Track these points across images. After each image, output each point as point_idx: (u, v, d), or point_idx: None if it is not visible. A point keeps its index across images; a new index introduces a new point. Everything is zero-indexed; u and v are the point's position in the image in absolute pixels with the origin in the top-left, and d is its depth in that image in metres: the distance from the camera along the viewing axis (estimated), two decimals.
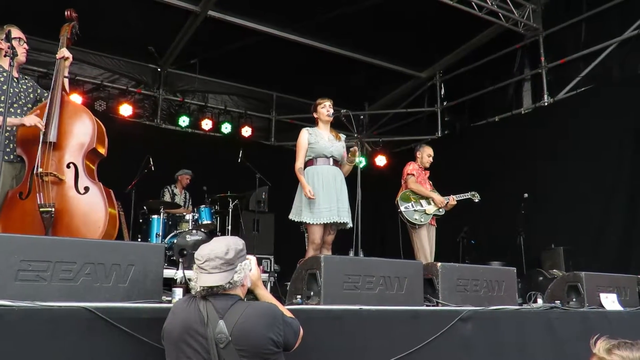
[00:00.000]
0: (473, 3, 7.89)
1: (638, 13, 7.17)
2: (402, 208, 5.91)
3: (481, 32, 9.07)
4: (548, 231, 7.52)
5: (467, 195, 6.13)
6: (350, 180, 5.02)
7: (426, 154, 6.16)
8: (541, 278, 6.49)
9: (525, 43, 8.83)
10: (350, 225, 4.88)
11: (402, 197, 5.98)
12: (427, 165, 6.21)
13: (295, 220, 4.85)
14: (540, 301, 4.48)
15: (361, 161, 5.11)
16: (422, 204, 5.94)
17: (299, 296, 3.21)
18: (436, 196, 5.97)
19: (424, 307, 3.45)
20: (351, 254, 4.98)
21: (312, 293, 3.16)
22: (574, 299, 4.49)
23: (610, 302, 4.58)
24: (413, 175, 6.02)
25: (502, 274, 4.08)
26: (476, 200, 6.16)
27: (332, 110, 4.96)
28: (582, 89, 7.91)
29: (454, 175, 6.31)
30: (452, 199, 6.03)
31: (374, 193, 8.65)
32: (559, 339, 3.88)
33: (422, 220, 5.89)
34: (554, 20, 8.43)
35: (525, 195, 7.43)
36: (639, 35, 7.23)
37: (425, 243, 5.89)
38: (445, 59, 10.01)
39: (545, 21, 8.53)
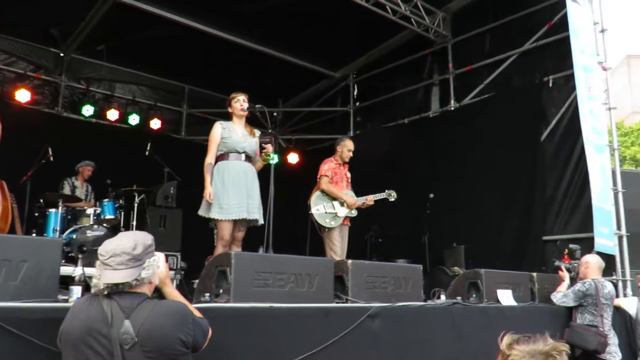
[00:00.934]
0: (387, 7, 8.08)
1: (537, 27, 7.64)
2: (313, 210, 5.81)
3: (394, 36, 9.32)
4: (450, 230, 7.84)
5: (383, 195, 6.12)
6: (262, 176, 4.97)
7: (346, 149, 6.07)
8: (444, 275, 6.78)
9: (435, 49, 9.17)
10: (261, 222, 4.83)
11: (315, 198, 5.90)
12: (347, 159, 6.11)
13: (205, 217, 4.74)
14: (443, 297, 4.65)
15: (273, 158, 5.05)
16: (334, 206, 5.86)
17: (207, 294, 3.12)
18: (348, 198, 5.89)
19: (334, 304, 3.48)
20: (261, 251, 4.93)
21: (221, 291, 3.09)
22: (474, 295, 4.72)
23: (506, 297, 4.86)
24: (327, 176, 5.93)
25: (409, 271, 4.20)
26: (392, 200, 6.16)
27: (246, 105, 4.89)
28: (486, 95, 8.34)
29: (364, 174, 6.39)
30: (370, 199, 6.00)
31: (286, 190, 8.60)
32: (461, 333, 4.05)
33: (333, 223, 5.82)
34: (461, 29, 8.82)
35: (431, 195, 7.73)
36: (537, 47, 7.70)
37: (336, 245, 5.82)
38: (359, 60, 10.19)
39: (453, 29, 8.91)
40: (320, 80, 10.79)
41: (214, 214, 4.64)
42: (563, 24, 6.96)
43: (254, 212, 4.77)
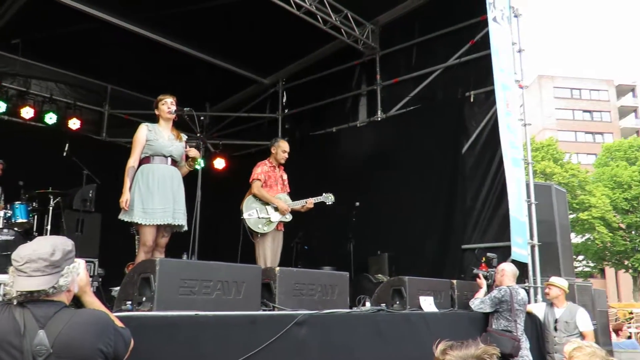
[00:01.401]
0: (318, 16, 8.16)
1: (461, 44, 7.98)
2: (245, 215, 5.69)
3: (324, 46, 9.44)
4: (375, 238, 7.99)
5: (321, 198, 6.08)
6: (187, 181, 4.85)
7: (281, 150, 6.00)
8: (368, 282, 6.89)
9: (363, 60, 9.36)
10: (185, 228, 4.71)
11: (247, 203, 5.78)
12: (282, 161, 6.04)
13: (126, 221, 4.55)
14: (368, 304, 4.72)
15: (200, 162, 4.95)
16: (268, 211, 5.78)
17: (129, 302, 3.00)
18: (281, 203, 5.82)
19: (261, 312, 3.44)
20: (184, 257, 4.81)
21: (144, 299, 2.97)
22: (398, 302, 4.82)
23: (427, 304, 5.00)
24: (259, 180, 5.84)
25: (335, 278, 4.23)
26: (329, 203, 6.13)
27: (174, 108, 4.77)
28: (411, 107, 8.59)
29: (292, 181, 6.39)
30: (310, 202, 5.97)
31: (212, 196, 8.47)
32: (385, 340, 4.12)
33: (266, 229, 5.73)
34: (390, 42, 9.06)
35: (357, 203, 7.84)
36: (460, 63, 8.04)
37: (268, 251, 5.74)
38: (289, 67, 10.22)
39: (382, 42, 9.14)
40: (249, 86, 10.73)
41: (136, 219, 4.47)
42: (484, 42, 7.30)
43: (180, 217, 4.64)
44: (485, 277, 5.93)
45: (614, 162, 36.92)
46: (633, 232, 35.12)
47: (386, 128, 8.82)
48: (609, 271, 39.33)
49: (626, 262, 35.22)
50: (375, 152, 8.61)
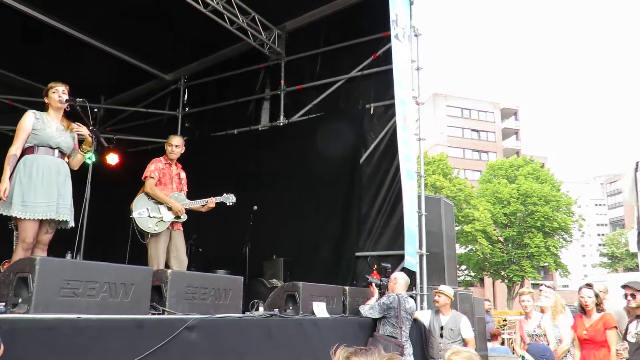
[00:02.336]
0: (225, 16, 8.05)
1: (364, 57, 8.22)
2: (135, 214, 5.39)
3: (230, 46, 9.32)
4: (271, 243, 7.99)
5: (220, 199, 5.89)
6: (76, 176, 4.57)
7: (169, 145, 5.75)
8: (262, 287, 6.86)
9: (269, 64, 9.36)
10: (71, 224, 4.43)
11: (138, 201, 5.50)
12: (173, 157, 5.77)
13: (4, 214, 4.19)
14: (261, 309, 4.70)
15: (92, 157, 4.67)
16: (160, 210, 5.53)
17: (2, 303, 2.77)
18: (174, 203, 5.59)
19: (149, 316, 3.30)
20: (68, 257, 4.51)
21: (20, 300, 2.76)
22: (291, 307, 4.84)
23: (320, 310, 5.07)
24: (152, 177, 5.58)
25: (229, 282, 4.17)
26: (229, 204, 5.96)
27: (65, 97, 4.47)
28: (314, 115, 8.70)
29: (191, 181, 6.20)
30: (211, 202, 5.75)
31: (103, 193, 8.05)
32: (276, 344, 4.11)
33: (157, 228, 5.46)
34: (295, 48, 9.12)
35: (255, 207, 7.79)
36: (362, 76, 8.27)
37: (161, 253, 5.48)
38: (192, 65, 9.99)
39: (288, 48, 9.19)
40: (148, 81, 10.34)
41: (15, 212, 4.12)
42: (386, 58, 7.58)
43: (65, 212, 4.34)
44: (379, 286, 6.12)
45: (496, 180, 39.73)
46: (510, 245, 37.94)
47: (288, 134, 8.86)
48: (487, 280, 42.17)
49: (502, 273, 37.97)
50: (275, 157, 8.62)
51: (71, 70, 8.62)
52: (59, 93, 4.44)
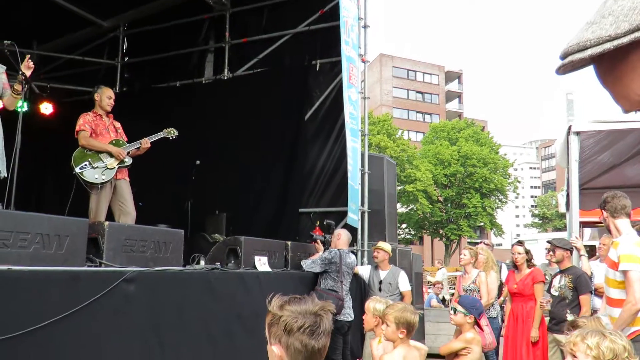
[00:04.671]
0: None
1: (311, 12, 8.08)
2: (77, 169, 5.16)
3: None
4: (213, 197, 7.92)
5: (162, 134, 5.70)
6: (7, 125, 4.34)
7: (106, 96, 5.54)
8: (204, 242, 6.83)
9: (213, 15, 9.05)
10: (3, 174, 4.23)
11: (77, 156, 5.26)
12: (109, 108, 5.57)
13: None
14: (202, 263, 4.69)
15: (23, 105, 4.43)
16: (103, 159, 5.31)
17: None
18: (112, 148, 5.38)
19: (85, 268, 3.23)
20: (0, 207, 4.32)
21: None
22: (233, 261, 4.86)
23: (262, 264, 5.11)
24: (84, 130, 5.34)
25: (169, 235, 4.13)
26: (172, 138, 5.77)
27: None
28: (259, 69, 8.55)
29: (129, 135, 5.99)
30: (145, 142, 5.54)
31: (37, 143, 7.74)
32: (217, 298, 4.13)
33: (105, 177, 5.27)
34: (241, 0, 8.84)
35: (198, 162, 7.67)
36: (308, 31, 8.15)
37: (102, 206, 5.29)
38: (132, 12, 9.52)
39: None
40: (85, 27, 9.79)
41: None
42: (333, 14, 7.49)
43: None
44: (323, 242, 6.21)
45: (438, 141, 40.64)
46: (449, 205, 39.21)
47: (232, 88, 8.69)
48: (427, 239, 43.61)
49: (441, 231, 39.34)
50: (219, 111, 8.45)
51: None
52: None
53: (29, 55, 4.36)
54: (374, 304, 3.89)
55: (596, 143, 6.14)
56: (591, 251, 7.79)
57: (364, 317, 4.01)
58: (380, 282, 6.30)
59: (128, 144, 5.55)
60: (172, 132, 5.79)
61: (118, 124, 5.73)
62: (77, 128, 5.38)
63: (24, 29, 9.22)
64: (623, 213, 3.68)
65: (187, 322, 3.77)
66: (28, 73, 4.28)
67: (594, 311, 5.31)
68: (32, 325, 2.68)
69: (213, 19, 9.13)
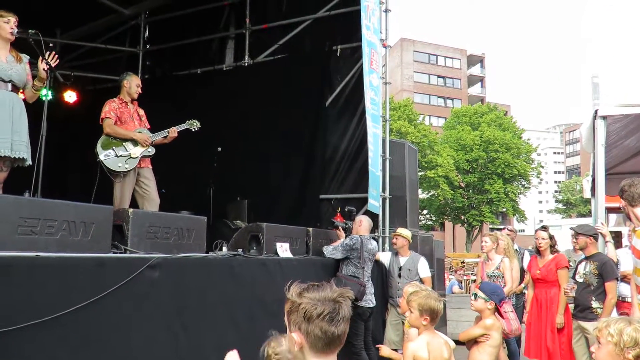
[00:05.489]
0: None
1: None
2: (101, 157, 5.20)
3: None
4: (235, 184, 7.97)
5: (185, 126, 5.71)
6: (32, 113, 4.40)
7: (135, 84, 5.57)
8: (226, 228, 6.88)
9: (234, 1, 9.03)
10: (28, 162, 4.30)
11: (101, 144, 5.30)
12: (136, 96, 5.61)
13: None
14: (225, 249, 4.72)
15: (48, 94, 4.49)
16: (127, 148, 5.35)
17: None
18: (138, 135, 5.41)
19: (111, 255, 3.28)
20: (27, 195, 4.40)
21: None
22: (255, 248, 4.89)
23: (283, 250, 5.13)
24: (109, 118, 5.38)
25: (193, 222, 4.16)
26: (195, 129, 5.79)
27: (16, 29, 4.24)
28: (279, 55, 8.53)
29: (152, 122, 6.02)
30: (173, 131, 5.57)
31: (61, 131, 7.85)
32: (239, 283, 4.17)
33: (128, 166, 5.30)
34: None
35: (219, 149, 7.71)
36: (329, 16, 8.08)
37: (127, 193, 5.33)
38: None
39: None
40: (107, 15, 9.84)
41: None
42: None
43: (21, 149, 4.21)
44: (344, 229, 6.21)
45: (460, 126, 40.24)
46: (470, 191, 38.91)
47: (253, 74, 8.68)
48: (448, 225, 43.40)
49: (462, 217, 39.10)
50: (240, 97, 8.46)
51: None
52: (10, 24, 4.20)
53: (54, 53, 4.38)
54: (411, 289, 3.87)
55: (623, 127, 6.01)
56: (616, 237, 7.67)
57: (399, 300, 3.98)
58: (400, 269, 6.29)
59: (153, 133, 5.59)
60: (194, 124, 5.79)
61: (142, 112, 5.77)
62: (102, 115, 5.42)
63: (47, 18, 9.29)
64: None
65: (210, 307, 3.82)
66: (53, 64, 4.32)
67: (620, 298, 5.24)
68: (60, 311, 2.74)
69: (233, 5, 9.11)
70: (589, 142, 5.74)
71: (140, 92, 5.67)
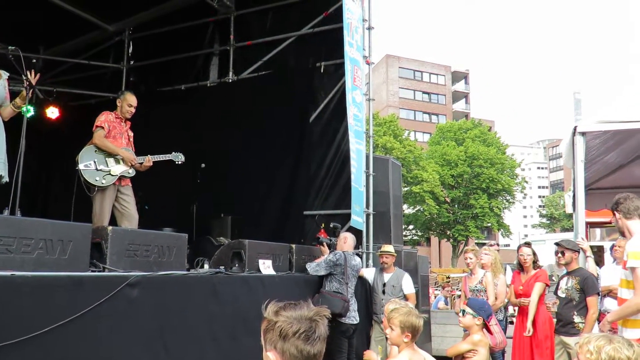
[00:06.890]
0: None
1: (315, 14, 8.05)
2: (81, 166, 5.10)
3: None
4: (219, 201, 7.93)
5: (169, 157, 5.69)
6: (11, 129, 4.36)
7: (126, 103, 5.51)
8: (209, 245, 6.83)
9: (218, 18, 9.05)
10: (5, 179, 4.25)
11: (85, 153, 5.20)
12: (128, 115, 5.56)
13: None
14: (207, 266, 4.69)
15: (29, 110, 4.45)
16: (108, 163, 5.27)
17: None
18: (126, 153, 5.36)
19: (89, 273, 3.24)
20: (6, 213, 4.35)
21: None
22: (237, 265, 4.86)
23: (266, 267, 5.10)
24: (102, 128, 5.29)
25: (173, 239, 4.12)
26: (178, 162, 5.79)
27: None
28: (263, 72, 8.55)
29: (136, 138, 5.99)
30: (148, 160, 5.53)
31: (42, 148, 7.79)
32: (221, 301, 4.13)
33: (104, 182, 5.21)
34: (245, 2, 8.85)
35: (202, 165, 7.69)
36: (312, 33, 8.14)
37: (106, 210, 5.25)
38: (138, 16, 9.53)
39: (238, 2, 8.89)
40: (92, 31, 9.82)
41: None
42: (337, 15, 7.44)
43: None
44: (328, 245, 6.20)
45: (445, 142, 40.54)
46: (456, 206, 39.11)
47: (237, 90, 8.68)
48: (434, 240, 43.49)
49: (448, 232, 39.23)
50: (224, 114, 8.45)
51: (4, 17, 8.12)
52: None
53: (36, 74, 4.35)
54: (392, 306, 3.86)
55: (602, 143, 6.10)
56: (599, 252, 7.74)
57: (382, 319, 3.97)
58: (384, 285, 6.29)
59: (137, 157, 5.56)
60: (179, 157, 5.79)
61: (132, 134, 5.73)
62: (96, 123, 5.35)
63: (31, 34, 9.27)
64: (636, 214, 3.66)
65: (191, 326, 3.77)
66: (33, 82, 4.30)
67: (601, 313, 5.28)
68: (36, 330, 2.69)
69: (217, 22, 9.13)
70: (569, 158, 5.81)
71: (133, 112, 5.63)
